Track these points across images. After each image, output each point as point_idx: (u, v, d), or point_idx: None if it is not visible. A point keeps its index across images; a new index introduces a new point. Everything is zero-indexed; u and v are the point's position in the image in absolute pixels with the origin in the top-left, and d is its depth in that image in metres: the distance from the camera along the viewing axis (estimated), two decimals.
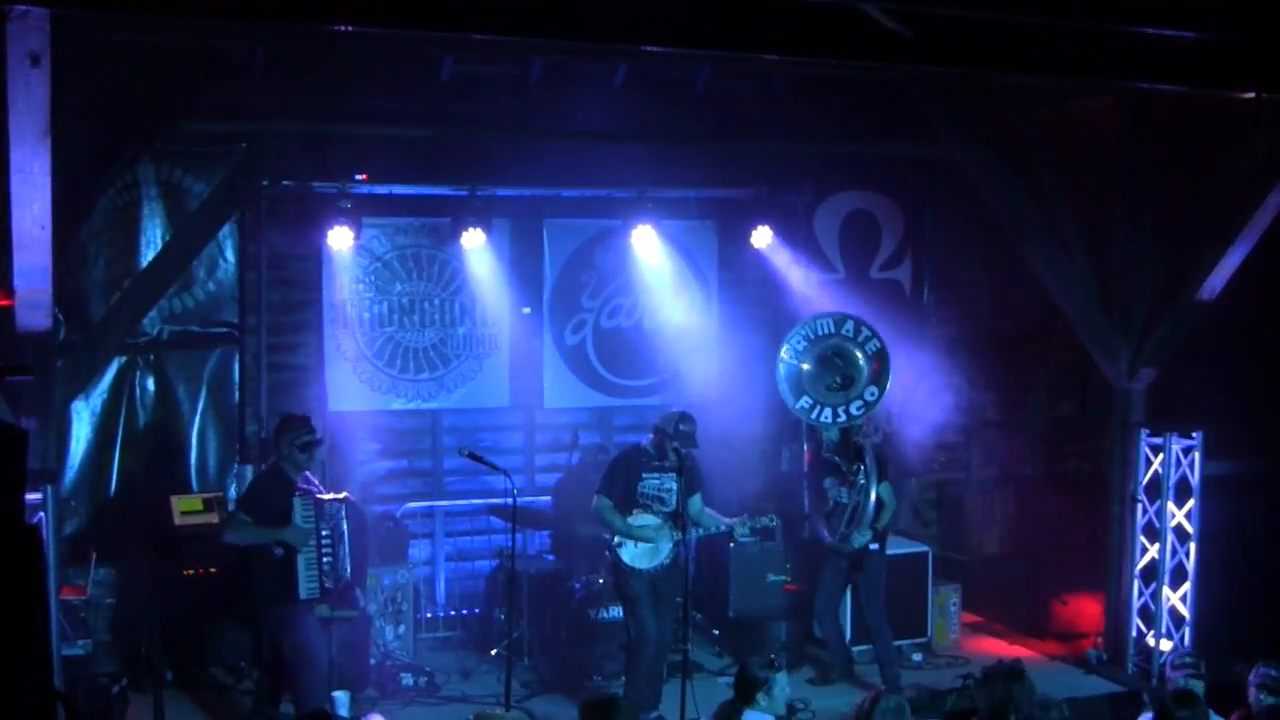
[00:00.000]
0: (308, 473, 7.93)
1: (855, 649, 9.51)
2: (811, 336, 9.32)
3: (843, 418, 9.23)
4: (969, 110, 9.40)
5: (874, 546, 9.04)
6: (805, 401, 9.30)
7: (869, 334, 9.31)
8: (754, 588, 9.56)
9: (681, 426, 8.20)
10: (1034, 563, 10.83)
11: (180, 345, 9.59)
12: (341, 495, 8.04)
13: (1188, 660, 7.15)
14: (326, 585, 7.77)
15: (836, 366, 9.30)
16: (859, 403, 9.23)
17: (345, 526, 7.86)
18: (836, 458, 9.16)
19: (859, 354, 9.28)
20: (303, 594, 7.67)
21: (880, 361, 9.26)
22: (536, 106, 9.47)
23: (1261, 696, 6.62)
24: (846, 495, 9.01)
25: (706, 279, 10.81)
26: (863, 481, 8.91)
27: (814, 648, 9.82)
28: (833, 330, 9.33)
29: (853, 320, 9.38)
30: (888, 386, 9.26)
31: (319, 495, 7.85)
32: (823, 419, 9.30)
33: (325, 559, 7.75)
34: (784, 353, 9.29)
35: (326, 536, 7.77)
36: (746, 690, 6.33)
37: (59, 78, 6.58)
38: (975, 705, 7.40)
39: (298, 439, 7.80)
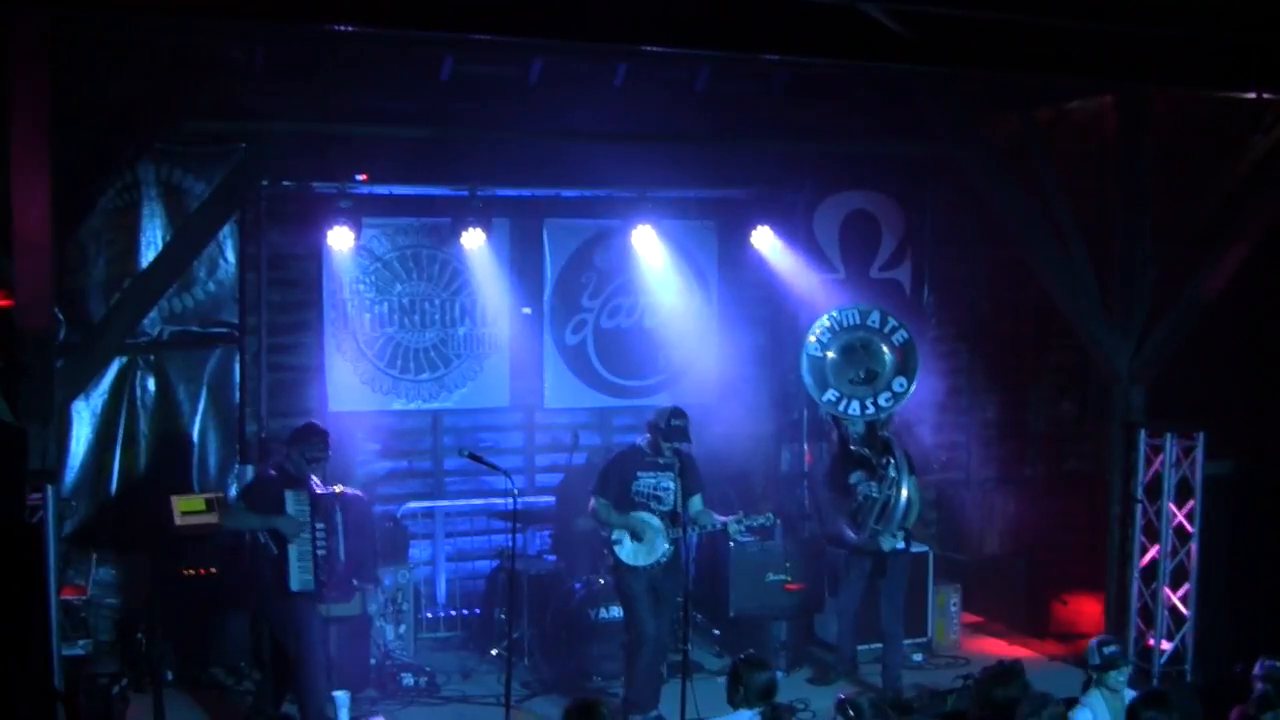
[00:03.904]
0: (312, 477, 7.94)
1: (858, 648, 9.52)
2: (837, 328, 9.33)
3: (871, 410, 9.21)
4: (969, 110, 9.40)
5: (900, 546, 9.01)
6: (832, 394, 9.27)
7: (895, 325, 9.36)
8: (754, 588, 9.56)
9: (674, 422, 8.17)
10: (1034, 563, 10.82)
11: (180, 345, 9.60)
12: (336, 489, 8.05)
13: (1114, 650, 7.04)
14: (321, 578, 7.76)
15: (860, 360, 9.29)
16: (887, 394, 9.25)
17: (339, 519, 7.88)
18: (865, 451, 9.07)
19: (884, 346, 9.31)
20: (294, 585, 7.68)
21: (906, 353, 9.30)
22: (536, 106, 9.46)
23: (1265, 688, 6.62)
24: (876, 490, 8.91)
25: (706, 279, 10.81)
26: (893, 475, 8.85)
27: (814, 647, 9.83)
28: (859, 321, 9.35)
29: (878, 311, 9.42)
30: (916, 377, 9.28)
31: (315, 490, 7.87)
32: (850, 411, 9.23)
33: (320, 551, 7.77)
34: (811, 338, 9.28)
35: (321, 529, 7.80)
36: (765, 694, 6.23)
37: (59, 77, 6.58)
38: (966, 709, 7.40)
39: (310, 451, 7.87)
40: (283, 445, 8.29)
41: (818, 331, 9.32)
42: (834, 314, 9.41)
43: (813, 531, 10.35)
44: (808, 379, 9.31)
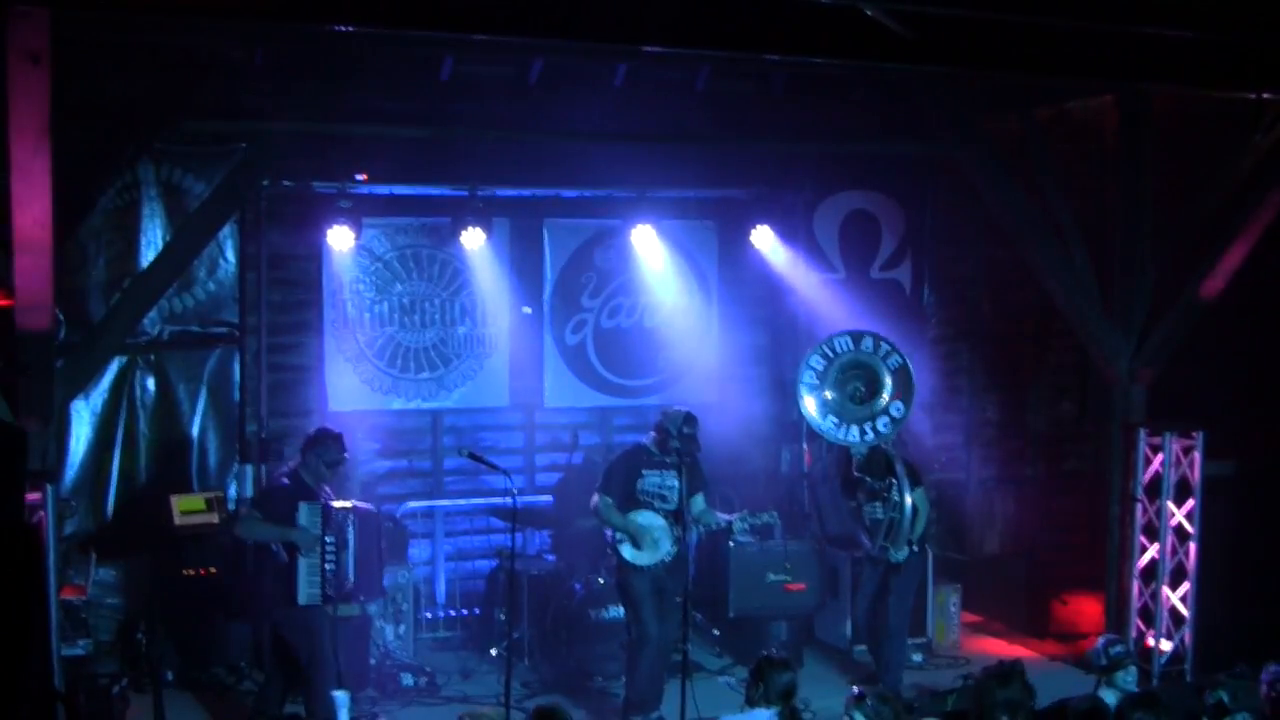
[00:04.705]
0: (326, 485, 7.90)
1: (855, 649, 9.52)
2: (830, 354, 9.30)
3: (870, 436, 9.21)
4: (969, 110, 9.40)
5: (915, 549, 9.04)
6: (832, 420, 9.29)
7: (889, 349, 9.33)
8: (754, 588, 9.55)
9: (685, 429, 8.18)
10: (1034, 563, 10.83)
11: (180, 345, 9.60)
12: (349, 504, 7.97)
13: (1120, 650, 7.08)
14: (328, 593, 7.70)
15: (858, 375, 9.30)
16: (885, 419, 9.24)
17: (351, 535, 7.79)
18: (867, 477, 9.06)
19: (880, 366, 9.30)
20: (302, 599, 7.61)
21: (903, 377, 9.27)
22: (536, 106, 9.47)
23: (1216, 697, 6.63)
24: (881, 511, 8.95)
25: (706, 279, 10.81)
26: (896, 498, 8.86)
27: (813, 647, 9.85)
28: (851, 347, 9.34)
29: (870, 336, 9.39)
30: (913, 402, 9.29)
31: (329, 503, 7.82)
32: (850, 438, 9.25)
33: (329, 566, 7.67)
34: (805, 379, 9.27)
35: (331, 544, 7.70)
36: (786, 694, 6.26)
37: (59, 77, 6.58)
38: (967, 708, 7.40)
39: (326, 455, 7.80)
40: (296, 452, 8.16)
41: (811, 362, 9.29)
42: (824, 343, 9.36)
43: (813, 531, 10.35)
44: (805, 409, 9.31)
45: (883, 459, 9.05)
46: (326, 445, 7.83)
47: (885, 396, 9.26)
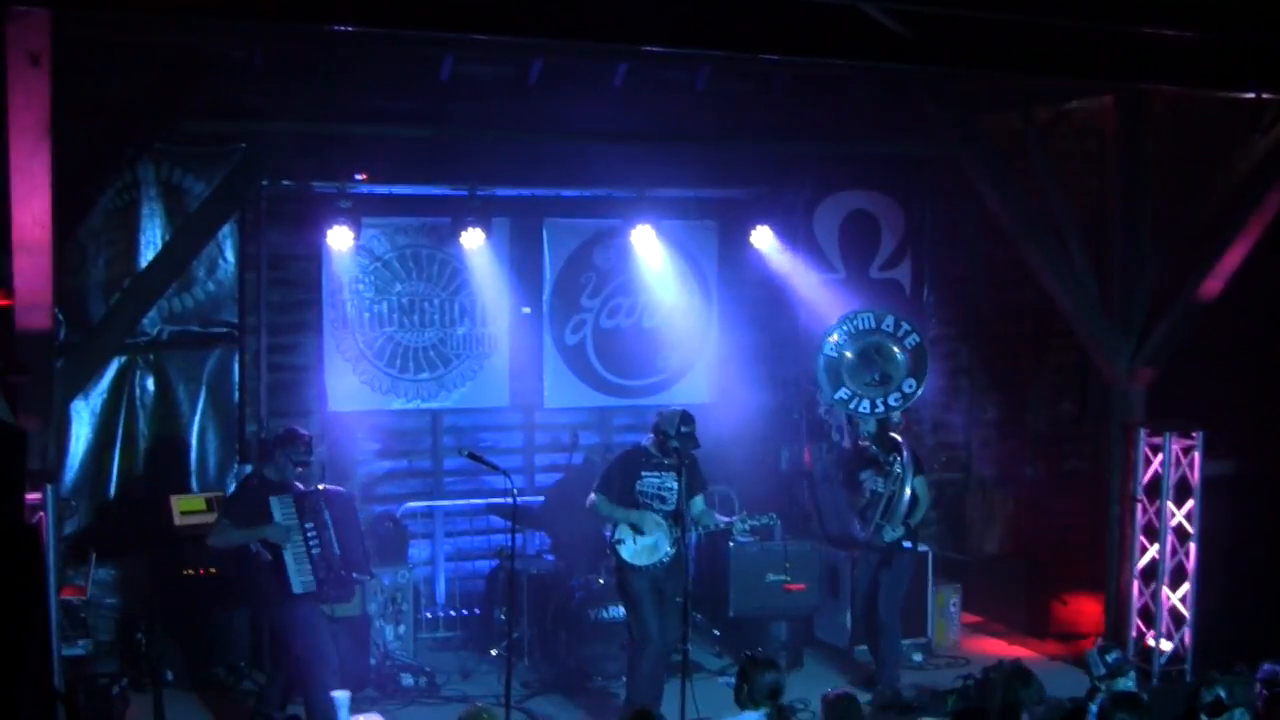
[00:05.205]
0: (295, 482, 7.93)
1: (855, 649, 9.52)
2: (853, 331, 9.45)
3: (881, 409, 9.37)
4: (969, 110, 9.40)
5: (907, 544, 9.04)
6: (844, 392, 9.40)
7: (908, 329, 9.50)
8: (754, 588, 9.55)
9: (683, 428, 8.18)
10: (1034, 563, 10.83)
11: (180, 345, 9.60)
12: (319, 487, 8.04)
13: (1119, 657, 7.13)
14: (320, 575, 7.75)
15: (875, 363, 9.46)
16: (897, 395, 9.40)
17: (327, 515, 7.85)
18: (874, 448, 9.17)
19: (897, 349, 9.44)
20: (297, 589, 7.66)
21: (917, 356, 9.44)
22: (536, 106, 9.46)
23: (1212, 694, 6.64)
24: (883, 485, 9.01)
25: (706, 279, 10.81)
26: (899, 471, 8.93)
27: (813, 647, 9.85)
28: (873, 325, 9.48)
29: (892, 316, 9.55)
30: (926, 380, 9.45)
31: (298, 490, 7.86)
32: (861, 409, 9.40)
33: (314, 549, 7.75)
34: (831, 339, 9.41)
35: (311, 528, 7.77)
36: (772, 694, 6.26)
37: (59, 77, 6.58)
38: (978, 706, 7.40)
39: (295, 455, 7.84)
40: (267, 450, 8.25)
41: (835, 335, 9.43)
42: (850, 318, 9.50)
43: (813, 532, 10.35)
44: (822, 377, 9.43)
45: (889, 438, 9.14)
46: (295, 445, 7.86)
47: (898, 379, 9.43)
